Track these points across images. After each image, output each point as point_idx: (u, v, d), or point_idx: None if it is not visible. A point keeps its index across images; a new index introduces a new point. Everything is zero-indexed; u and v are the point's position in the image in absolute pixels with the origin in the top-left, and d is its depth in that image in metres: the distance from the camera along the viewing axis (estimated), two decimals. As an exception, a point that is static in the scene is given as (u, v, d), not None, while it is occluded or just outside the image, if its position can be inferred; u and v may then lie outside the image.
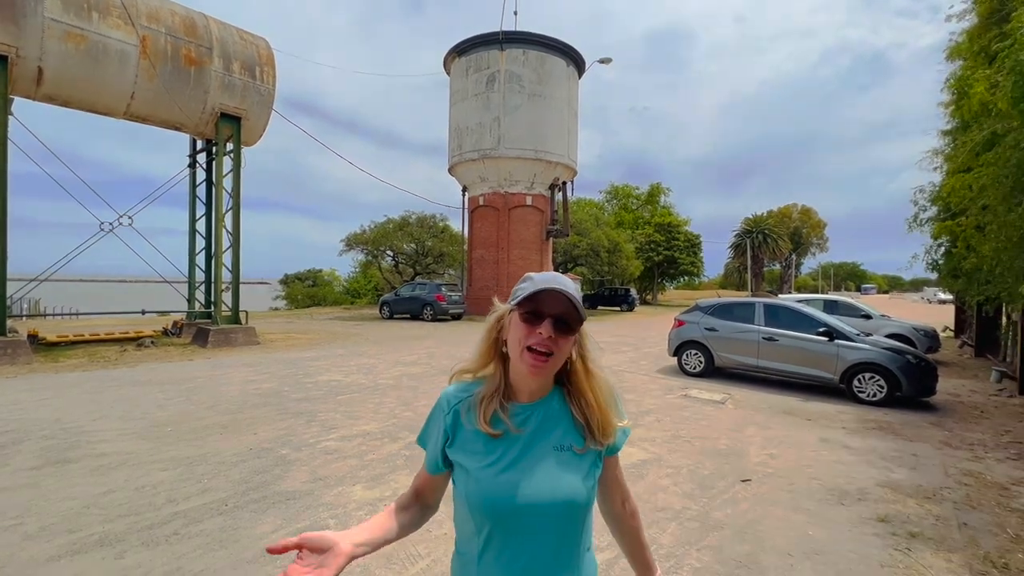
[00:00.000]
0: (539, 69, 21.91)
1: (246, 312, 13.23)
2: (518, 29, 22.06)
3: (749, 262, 51.79)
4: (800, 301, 10.63)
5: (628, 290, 33.24)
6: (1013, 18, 4.98)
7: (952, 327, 17.44)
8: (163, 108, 11.57)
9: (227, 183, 12.72)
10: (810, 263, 74.72)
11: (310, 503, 3.60)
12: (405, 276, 31.11)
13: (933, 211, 9.72)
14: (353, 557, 0.87)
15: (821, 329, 7.82)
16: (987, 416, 6.77)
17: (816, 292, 57.19)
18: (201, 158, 14.07)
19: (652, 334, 16.66)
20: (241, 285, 13.10)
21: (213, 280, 12.91)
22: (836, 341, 7.62)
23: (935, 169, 9.76)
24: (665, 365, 10.28)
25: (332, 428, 5.46)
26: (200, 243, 14.07)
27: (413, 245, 30.57)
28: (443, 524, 3.12)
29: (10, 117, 9.85)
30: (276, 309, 31.60)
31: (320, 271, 38.75)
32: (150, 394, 6.86)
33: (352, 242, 30.18)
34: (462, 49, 22.71)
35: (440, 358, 10.67)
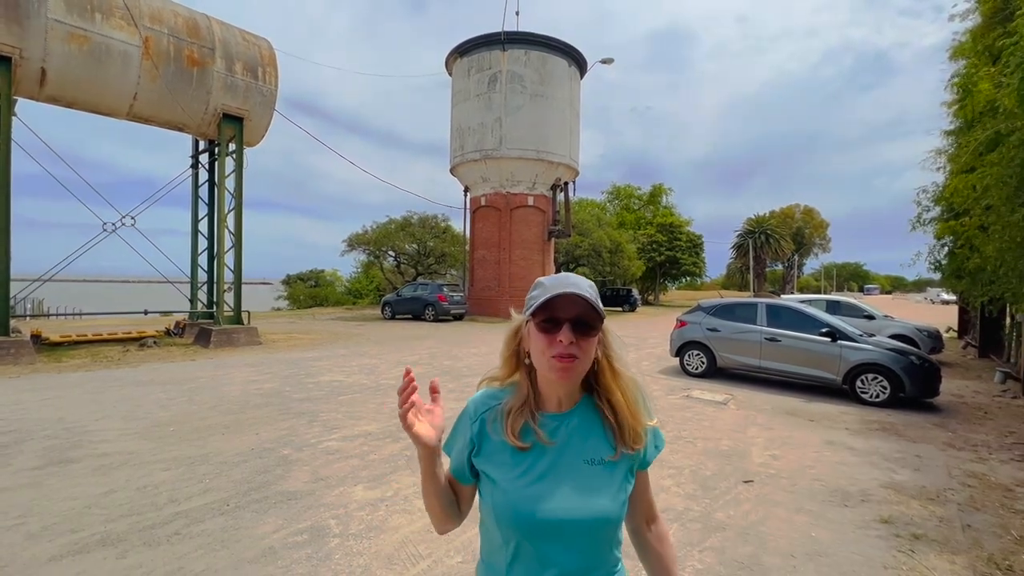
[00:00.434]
0: (541, 69, 21.90)
1: (248, 312, 13.25)
2: (520, 29, 22.07)
3: (751, 262, 51.69)
4: (802, 302, 10.60)
5: (630, 290, 33.19)
6: (1017, 16, 4.96)
7: (956, 328, 17.38)
8: (166, 109, 11.61)
9: (229, 183, 12.75)
10: (812, 263, 74.63)
11: (312, 503, 3.60)
12: (407, 276, 31.13)
13: (936, 211, 9.69)
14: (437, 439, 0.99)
15: (824, 330, 7.80)
16: (991, 417, 6.74)
17: (818, 292, 57.11)
18: (203, 159, 14.11)
19: (654, 334, 16.63)
20: (243, 285, 13.12)
21: (215, 280, 12.94)
22: (839, 342, 7.60)
23: (938, 169, 9.73)
24: (667, 366, 10.26)
25: (334, 428, 5.47)
26: (202, 243, 14.11)
27: (415, 245, 30.59)
28: (444, 525, 3.12)
29: (13, 118, 9.89)
30: (278, 309, 31.65)
31: (322, 271, 38.79)
32: (152, 394, 6.87)
33: (354, 242, 30.22)
34: (464, 49, 22.72)
35: (442, 358, 10.67)
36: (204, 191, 14.11)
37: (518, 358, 1.05)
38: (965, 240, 7.50)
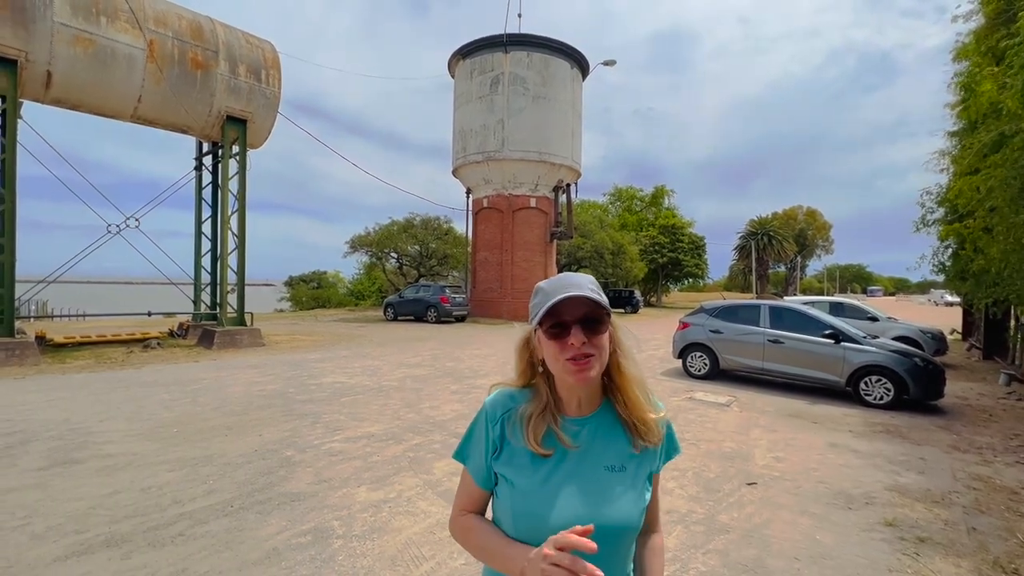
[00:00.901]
0: (543, 71, 21.94)
1: (251, 314, 13.28)
2: (522, 32, 22.12)
3: (754, 264, 51.61)
4: (805, 303, 10.58)
5: (632, 292, 33.17)
6: (1020, 17, 4.95)
7: (960, 330, 17.30)
8: (170, 111, 11.67)
9: (233, 185, 12.80)
10: (815, 265, 74.45)
11: (315, 504, 3.61)
12: (409, 278, 31.17)
13: (940, 213, 9.66)
14: None
15: (827, 331, 7.78)
16: (996, 419, 6.70)
17: (821, 294, 56.94)
18: (207, 161, 14.16)
19: (657, 336, 16.61)
20: (246, 287, 13.16)
21: (219, 282, 12.99)
22: (842, 344, 7.58)
23: (942, 171, 9.72)
24: (670, 367, 10.25)
25: (337, 430, 5.47)
26: (206, 245, 14.15)
27: (417, 247, 30.64)
28: (447, 527, 3.12)
29: (19, 120, 9.95)
30: (281, 311, 31.73)
31: (324, 273, 38.88)
32: (156, 395, 6.89)
33: (356, 244, 30.29)
34: (466, 52, 22.77)
35: (444, 360, 10.68)
36: (208, 193, 14.17)
37: (533, 368, 1.04)
38: (969, 242, 7.48)
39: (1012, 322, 11.08)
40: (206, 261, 14.14)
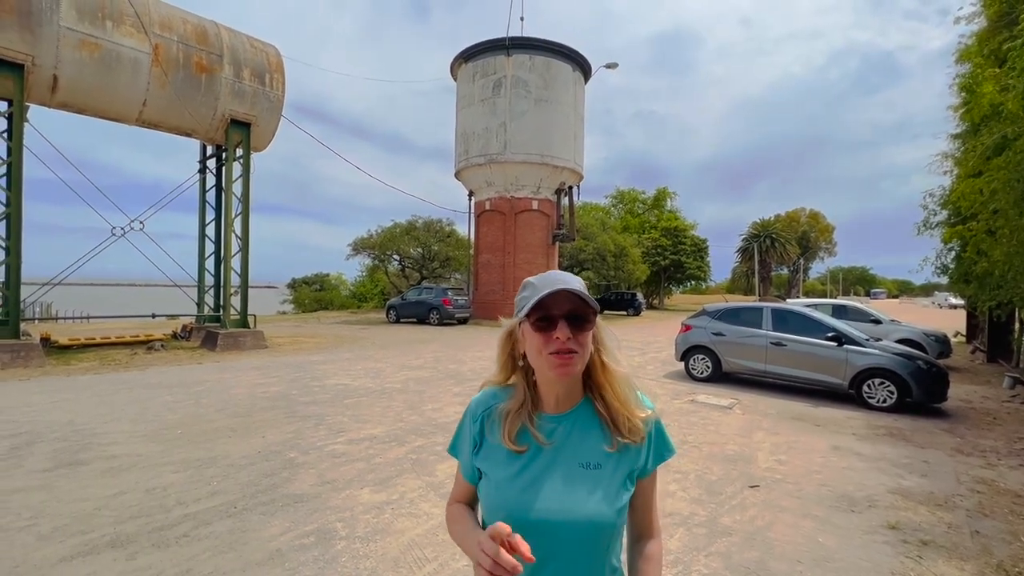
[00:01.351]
0: (545, 74, 22.00)
1: (254, 316, 13.33)
2: (524, 35, 22.20)
3: (757, 266, 51.51)
4: (808, 306, 10.56)
5: (634, 294, 33.15)
6: (1022, 20, 4.96)
7: (963, 332, 17.23)
8: (174, 115, 11.74)
9: (236, 188, 12.87)
10: (818, 267, 74.25)
11: (318, 506, 3.62)
12: (412, 280, 31.22)
13: (943, 215, 9.64)
14: None
15: (830, 334, 7.76)
16: (1000, 422, 6.68)
17: (824, 297, 56.78)
18: (211, 164, 14.24)
19: (659, 339, 16.59)
20: (249, 289, 13.22)
21: (222, 284, 13.04)
22: (845, 346, 7.56)
23: (945, 173, 9.70)
24: (672, 370, 10.24)
25: (340, 431, 5.49)
26: (209, 247, 14.22)
27: (420, 249, 30.69)
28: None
29: (25, 124, 10.03)
30: (284, 313, 31.83)
31: (327, 275, 39.00)
32: (160, 397, 6.92)
33: (359, 246, 30.36)
34: (469, 55, 22.86)
35: (446, 362, 10.69)
36: (212, 196, 14.25)
37: (514, 362, 1.05)
38: (972, 245, 7.46)
39: (1016, 325, 11.04)
40: (210, 263, 14.20)
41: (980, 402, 7.95)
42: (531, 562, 0.77)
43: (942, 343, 11.44)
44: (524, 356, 1.01)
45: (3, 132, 9.75)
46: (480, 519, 1.06)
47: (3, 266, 9.70)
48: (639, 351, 13.47)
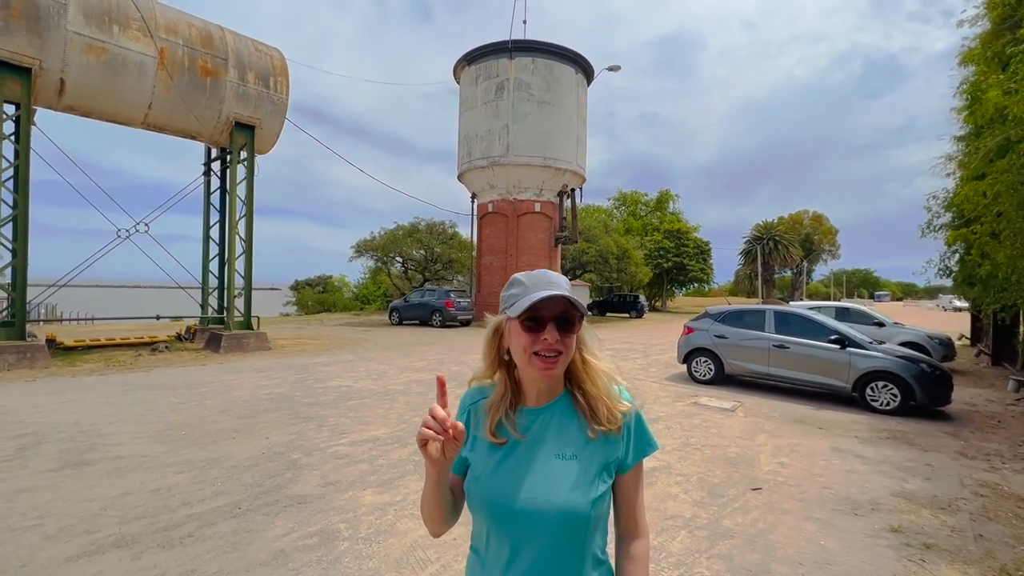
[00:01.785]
0: (548, 77, 22.06)
1: (258, 318, 13.40)
2: (527, 38, 22.26)
3: (759, 269, 51.40)
4: (811, 308, 10.54)
5: (637, 297, 33.12)
6: (1025, 24, 4.96)
7: (968, 335, 17.15)
8: (179, 118, 11.83)
9: (240, 190, 12.94)
10: (822, 270, 74.05)
11: (321, 507, 3.64)
12: (414, 282, 31.29)
13: (947, 218, 9.63)
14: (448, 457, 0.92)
15: (833, 337, 7.75)
16: (1004, 426, 6.65)
17: (828, 299, 56.58)
18: (215, 166, 14.34)
19: (661, 341, 16.57)
20: (253, 291, 13.28)
21: (226, 286, 13.11)
22: (848, 349, 7.54)
23: (948, 175, 9.68)
24: (674, 372, 10.23)
25: (342, 433, 5.51)
26: (213, 249, 14.30)
27: (422, 251, 30.76)
28: (452, 530, 3.14)
29: (32, 127, 10.12)
30: (287, 315, 31.91)
31: (330, 277, 39.13)
32: (164, 398, 6.96)
33: (362, 248, 30.45)
34: (472, 57, 22.93)
35: (449, 364, 10.71)
36: (216, 198, 14.33)
37: (499, 358, 1.07)
38: (976, 247, 7.45)
39: (1021, 328, 10.99)
40: (213, 265, 14.28)
41: (984, 405, 7.91)
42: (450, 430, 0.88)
43: (946, 346, 11.39)
44: (508, 351, 1.04)
45: (10, 135, 9.84)
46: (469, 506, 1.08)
47: (10, 268, 9.78)
48: (641, 353, 13.46)
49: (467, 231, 27.07)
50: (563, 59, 22.45)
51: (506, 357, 1.05)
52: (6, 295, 9.95)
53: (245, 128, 12.71)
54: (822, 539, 3.37)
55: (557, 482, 0.97)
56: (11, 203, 9.85)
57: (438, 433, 0.88)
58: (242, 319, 12.99)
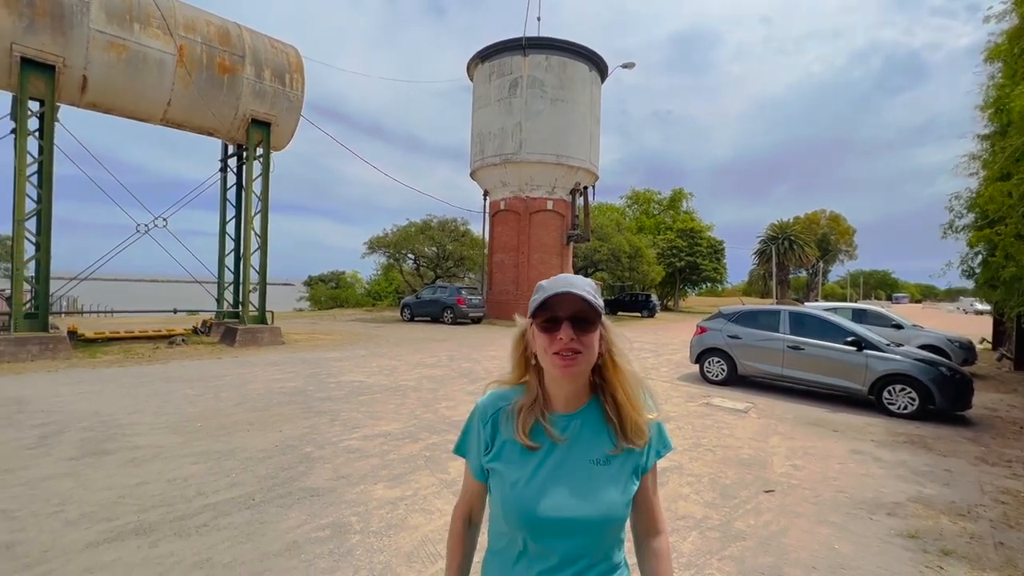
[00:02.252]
0: (561, 74, 21.97)
1: (272, 312, 13.56)
2: (541, 35, 22.19)
3: (774, 269, 50.72)
4: (827, 310, 10.37)
5: (649, 296, 32.89)
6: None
7: (989, 339, 16.75)
8: (197, 114, 12.01)
9: (256, 187, 13.10)
10: (838, 271, 72.83)
11: (333, 500, 3.68)
12: (426, 279, 31.43)
13: (970, 218, 9.39)
14: None
15: (849, 338, 7.62)
16: (1027, 432, 6.48)
17: (844, 300, 55.62)
18: (232, 162, 14.53)
19: (673, 340, 16.45)
20: (267, 286, 13.44)
21: (241, 281, 13.29)
22: (865, 351, 7.41)
23: (972, 175, 9.44)
24: (686, 372, 10.15)
25: (355, 427, 5.57)
26: (229, 245, 14.50)
27: (434, 248, 30.87)
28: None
29: (55, 123, 10.34)
30: (300, 310, 32.29)
31: (343, 273, 39.46)
32: (181, 390, 7.09)
33: (374, 245, 30.66)
34: (485, 55, 22.92)
35: (460, 361, 10.75)
36: (232, 194, 14.52)
37: (527, 362, 1.08)
38: (1000, 248, 7.25)
39: (1046, 332, 10.69)
40: (229, 260, 14.48)
41: (1006, 411, 7.73)
42: None
43: (967, 349, 11.14)
44: (536, 355, 1.04)
45: (35, 131, 10.07)
46: (492, 515, 1.08)
47: (33, 261, 10.03)
48: (653, 353, 13.37)
49: (479, 228, 27.13)
50: (577, 56, 22.33)
51: (533, 362, 1.06)
52: (30, 288, 10.20)
53: (261, 125, 12.85)
54: (836, 543, 3.32)
55: (597, 488, 0.99)
56: (35, 198, 10.09)
57: None
58: (257, 314, 13.16)
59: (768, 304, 11.35)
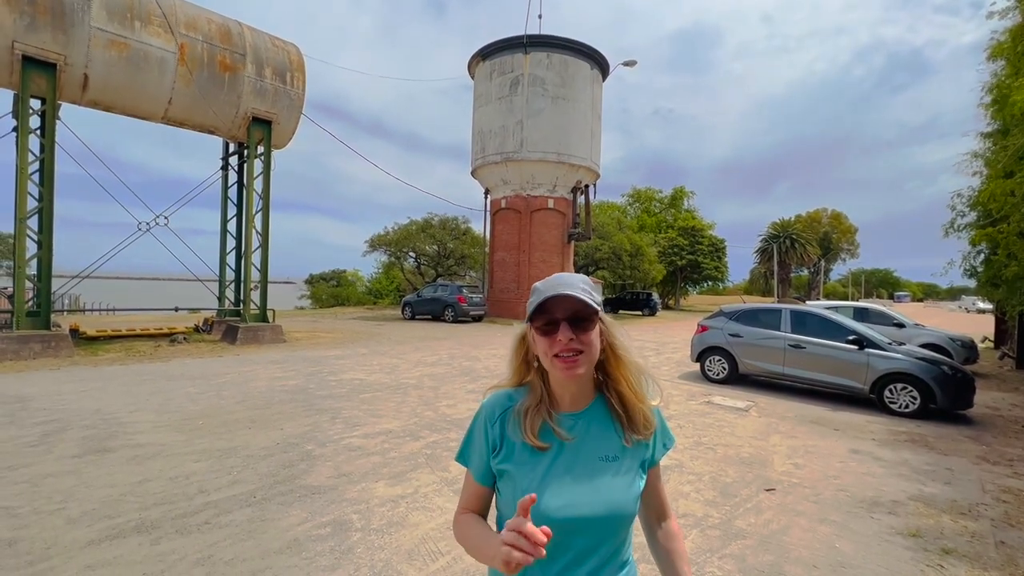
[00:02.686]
0: (563, 72, 21.93)
1: (273, 310, 13.58)
2: (542, 33, 22.14)
3: (775, 267, 50.65)
4: (829, 308, 10.35)
5: (650, 294, 32.87)
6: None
7: (991, 337, 16.72)
8: (198, 113, 12.00)
9: (257, 185, 13.10)
10: (840, 269, 72.69)
11: (334, 498, 3.69)
12: (427, 277, 31.44)
13: (972, 217, 9.36)
14: None
15: (850, 337, 7.61)
16: (1028, 431, 6.47)
17: (846, 299, 55.57)
18: (233, 161, 14.52)
19: (674, 339, 16.44)
20: (269, 284, 13.46)
21: (242, 279, 13.31)
22: (866, 349, 7.40)
23: (974, 173, 9.40)
24: (687, 371, 10.15)
25: (356, 425, 5.57)
26: (231, 243, 14.51)
27: (435, 247, 30.88)
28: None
29: (56, 121, 10.35)
30: (301, 308, 32.30)
31: (344, 271, 39.47)
32: (182, 388, 7.11)
33: (375, 243, 30.66)
34: (486, 53, 22.88)
35: (461, 359, 10.76)
36: (233, 192, 14.52)
37: (528, 365, 1.08)
38: (1003, 247, 7.23)
39: (1048, 331, 10.67)
40: (230, 259, 14.49)
41: (1008, 410, 7.72)
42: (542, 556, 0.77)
43: (969, 348, 11.12)
44: (538, 358, 1.04)
45: (36, 129, 10.08)
46: (499, 516, 1.08)
47: (35, 259, 10.05)
48: (654, 351, 13.37)
49: (480, 227, 27.13)
50: (578, 54, 22.28)
51: (536, 364, 1.06)
52: (32, 286, 10.23)
53: (262, 123, 12.85)
54: (837, 541, 3.32)
55: (608, 486, 0.99)
56: (37, 196, 10.10)
57: (530, 553, 0.77)
58: (258, 312, 13.18)
59: (769, 303, 11.33)
